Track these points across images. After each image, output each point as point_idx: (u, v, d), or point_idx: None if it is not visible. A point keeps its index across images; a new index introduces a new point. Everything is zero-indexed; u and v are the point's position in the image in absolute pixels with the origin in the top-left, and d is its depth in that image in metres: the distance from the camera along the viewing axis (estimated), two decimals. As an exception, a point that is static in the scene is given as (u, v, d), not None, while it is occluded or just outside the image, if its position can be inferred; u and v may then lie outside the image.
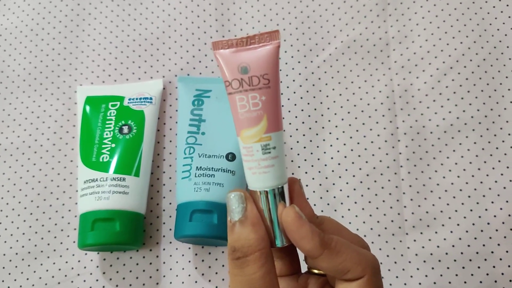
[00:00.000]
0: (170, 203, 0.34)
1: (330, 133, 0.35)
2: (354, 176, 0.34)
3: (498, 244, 0.32)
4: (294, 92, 0.35)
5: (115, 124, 0.33)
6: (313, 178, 0.34)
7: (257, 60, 0.20)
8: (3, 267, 0.34)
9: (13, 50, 0.38)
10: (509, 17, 0.35)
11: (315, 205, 0.33)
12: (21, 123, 0.37)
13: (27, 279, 0.34)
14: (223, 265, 0.33)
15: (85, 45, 0.38)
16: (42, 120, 0.37)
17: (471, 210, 0.32)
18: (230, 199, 0.20)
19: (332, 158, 0.34)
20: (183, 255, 0.33)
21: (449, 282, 0.31)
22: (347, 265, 0.19)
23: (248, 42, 0.20)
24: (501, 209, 0.32)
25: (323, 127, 0.35)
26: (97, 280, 0.33)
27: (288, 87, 0.36)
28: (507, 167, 0.33)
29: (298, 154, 0.34)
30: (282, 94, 0.36)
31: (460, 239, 0.32)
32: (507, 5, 0.36)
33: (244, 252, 0.19)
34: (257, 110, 0.20)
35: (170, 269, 0.33)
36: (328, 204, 0.33)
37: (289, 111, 0.35)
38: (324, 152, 0.34)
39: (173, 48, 0.37)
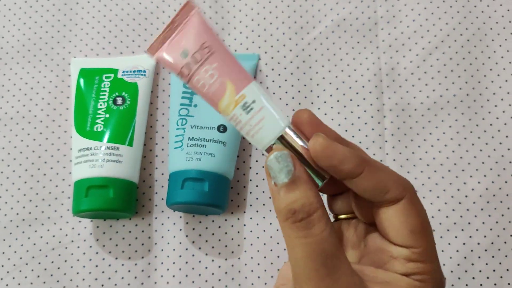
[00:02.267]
0: (163, 174, 0.35)
1: (318, 108, 0.36)
2: (340, 150, 0.35)
3: (475, 216, 0.33)
4: (285, 68, 0.36)
5: (109, 96, 0.34)
6: (301, 152, 0.35)
7: (188, 38, 0.20)
8: (-2, 234, 0.35)
9: (7, 21, 0.38)
10: (493, 0, 0.37)
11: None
12: (15, 94, 0.37)
13: (22, 245, 0.34)
14: (213, 234, 0.34)
15: (79, 18, 0.38)
16: (36, 91, 0.37)
17: (451, 184, 0.34)
18: (274, 161, 0.18)
19: (320, 132, 0.35)
20: (174, 224, 0.34)
21: (428, 251, 0.33)
22: (388, 183, 0.18)
23: (171, 29, 0.20)
24: (478, 182, 0.34)
25: (312, 103, 0.36)
26: (90, 247, 0.34)
27: (279, 63, 0.37)
28: (486, 144, 0.34)
29: (287, 129, 0.36)
30: (273, 70, 0.36)
31: (439, 210, 0.33)
32: (492, -12, 0.37)
33: (307, 212, 0.18)
34: (216, 79, 0.19)
35: (162, 237, 0.34)
36: (315, 176, 0.35)
37: (280, 87, 0.36)
38: (313, 127, 0.35)
39: (166, 22, 0.38)
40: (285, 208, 0.18)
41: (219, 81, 0.19)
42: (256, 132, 0.19)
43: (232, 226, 0.34)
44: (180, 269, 0.34)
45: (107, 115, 0.33)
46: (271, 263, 0.33)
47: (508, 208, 0.33)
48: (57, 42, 0.38)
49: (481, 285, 0.33)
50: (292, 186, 0.18)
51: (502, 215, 0.33)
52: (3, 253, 0.34)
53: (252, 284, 0.33)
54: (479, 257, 0.33)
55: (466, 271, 0.33)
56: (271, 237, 0.34)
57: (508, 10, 0.36)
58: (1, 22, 0.38)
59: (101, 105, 0.34)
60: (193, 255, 0.34)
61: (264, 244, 0.34)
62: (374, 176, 0.19)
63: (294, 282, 0.19)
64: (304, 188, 0.18)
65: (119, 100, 0.34)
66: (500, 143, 0.34)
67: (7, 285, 0.34)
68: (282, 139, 0.19)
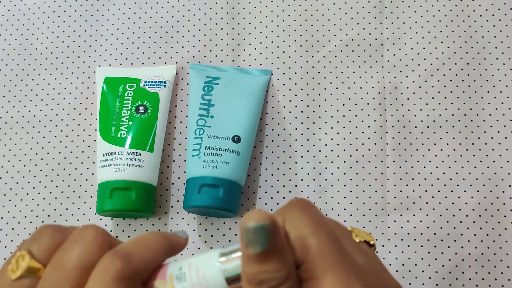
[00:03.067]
0: (179, 178, 0.38)
1: (325, 122, 0.38)
2: (344, 162, 0.38)
3: (467, 228, 0.36)
4: (295, 84, 0.39)
5: (132, 104, 0.37)
6: (308, 162, 0.38)
7: None
8: (24, 228, 0.38)
9: (36, 29, 0.41)
10: (494, 26, 0.39)
11: (308, 185, 0.37)
12: (43, 98, 0.40)
13: (46, 239, 0.37)
14: (223, 235, 0.37)
15: (104, 29, 0.41)
16: (63, 97, 0.40)
17: (446, 197, 0.36)
18: (250, 230, 0.17)
19: (326, 145, 0.38)
20: (188, 224, 0.37)
21: (422, 258, 0.36)
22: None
23: None
24: (472, 197, 0.36)
25: (319, 117, 0.38)
26: (110, 243, 0.37)
27: (290, 78, 0.39)
28: (480, 161, 0.37)
29: (296, 140, 0.38)
30: (284, 85, 0.39)
31: (434, 221, 0.36)
32: (493, 15, 0.39)
33: (273, 285, 0.17)
34: None
35: (176, 236, 0.37)
36: (320, 185, 0.37)
37: (290, 101, 0.39)
38: (319, 139, 0.38)
39: (186, 37, 0.40)
40: (250, 274, 0.18)
41: None
42: (207, 281, 0.19)
43: (241, 229, 0.37)
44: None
45: (130, 123, 0.36)
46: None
47: (499, 222, 0.36)
48: (83, 51, 0.41)
49: (470, 292, 0.35)
50: (265, 257, 0.17)
51: (493, 228, 0.36)
52: (29, 246, 0.37)
53: (259, 283, 0.36)
54: (470, 266, 0.35)
55: (456, 279, 0.35)
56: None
57: (508, 36, 0.39)
58: (31, 30, 0.41)
59: (124, 112, 0.37)
60: (204, 255, 0.37)
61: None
62: None
63: None
64: (276, 261, 0.17)
65: (141, 109, 0.37)
66: (494, 161, 0.37)
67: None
68: (226, 266, 0.19)
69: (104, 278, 0.18)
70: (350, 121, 0.38)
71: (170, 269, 0.19)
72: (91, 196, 0.38)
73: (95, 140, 0.38)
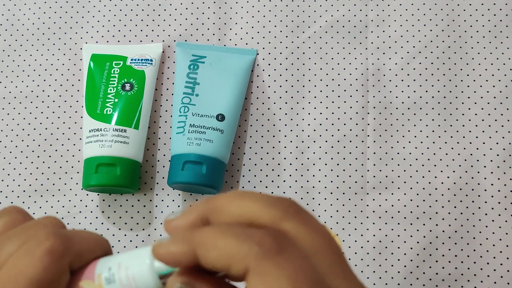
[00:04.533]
0: (164, 155, 0.39)
1: (309, 102, 0.39)
2: (326, 141, 0.38)
3: (442, 206, 0.37)
4: (280, 64, 0.40)
5: (118, 81, 0.37)
6: (291, 141, 0.39)
7: None
8: (11, 202, 0.38)
9: (23, 5, 0.41)
10: (476, 10, 0.40)
11: (290, 164, 0.38)
12: (30, 74, 0.40)
13: (33, 213, 0.38)
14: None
15: (91, 6, 0.41)
16: (49, 73, 0.40)
17: (423, 177, 0.38)
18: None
19: (309, 124, 0.39)
20: (173, 200, 0.38)
21: (398, 235, 0.37)
22: (227, 259, 0.16)
23: None
24: (448, 177, 0.38)
25: (303, 97, 0.39)
26: (96, 218, 0.38)
27: (275, 58, 0.40)
28: (457, 142, 0.38)
29: (280, 120, 0.39)
30: (269, 65, 0.40)
31: (411, 200, 0.37)
32: (476, -1, 0.40)
33: None
34: None
35: (162, 212, 0.38)
36: (302, 164, 0.38)
37: (275, 81, 0.39)
38: (303, 119, 0.39)
39: (173, 15, 0.41)
40: None
41: None
42: (137, 282, 0.18)
43: (225, 205, 0.38)
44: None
45: (116, 100, 0.37)
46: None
47: (473, 201, 0.37)
48: (70, 27, 0.41)
49: (443, 267, 0.37)
50: None
51: (467, 207, 0.37)
52: (17, 219, 0.38)
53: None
54: (443, 243, 0.37)
55: (430, 255, 0.37)
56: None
57: (489, 21, 0.40)
58: (18, 6, 0.41)
59: (110, 90, 0.37)
60: (189, 230, 0.38)
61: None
62: (208, 256, 0.16)
63: None
64: None
65: (127, 86, 0.37)
66: (470, 143, 0.38)
67: (19, 248, 0.38)
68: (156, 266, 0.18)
69: (35, 250, 0.17)
70: (332, 102, 0.39)
71: (98, 268, 0.18)
72: (77, 172, 0.38)
73: (81, 117, 0.39)
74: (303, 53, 0.40)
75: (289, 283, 0.15)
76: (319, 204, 0.38)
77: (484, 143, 0.38)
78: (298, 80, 0.39)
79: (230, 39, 0.40)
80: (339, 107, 0.39)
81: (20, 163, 0.39)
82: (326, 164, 0.38)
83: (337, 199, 0.38)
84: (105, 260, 0.19)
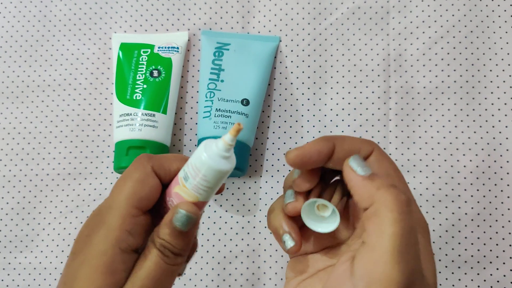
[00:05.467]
0: (191, 140, 0.40)
1: (331, 88, 0.40)
2: (349, 126, 0.39)
3: (465, 189, 0.38)
4: (303, 50, 0.40)
5: (146, 68, 0.39)
6: (313, 126, 0.39)
7: None
8: (46, 185, 0.40)
9: (54, -3, 0.43)
10: (499, -6, 0.40)
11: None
12: (62, 63, 0.42)
13: (67, 195, 0.40)
14: (232, 193, 0.39)
15: (120, -3, 0.42)
16: (81, 62, 0.42)
17: (445, 160, 0.38)
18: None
19: (331, 109, 0.40)
20: (199, 183, 0.39)
21: (420, 217, 0.38)
22: (357, 145, 0.24)
23: None
24: (470, 161, 0.38)
25: (325, 82, 0.40)
26: (126, 200, 0.39)
27: (298, 45, 0.41)
28: (480, 126, 0.38)
29: (302, 105, 0.40)
30: (292, 51, 0.40)
31: (433, 183, 0.38)
32: (498, -16, 0.40)
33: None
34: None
35: (188, 194, 0.39)
36: (325, 148, 0.39)
37: (297, 67, 0.40)
38: (325, 104, 0.40)
39: (198, 4, 0.42)
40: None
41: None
42: (200, 172, 0.22)
43: (249, 188, 0.39)
44: (203, 223, 0.39)
45: (145, 86, 0.38)
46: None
47: (495, 184, 0.38)
48: (99, 18, 0.42)
49: (465, 250, 0.37)
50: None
51: (489, 190, 0.38)
52: (51, 201, 0.40)
53: (265, 238, 0.39)
54: (466, 226, 0.37)
55: (453, 237, 0.37)
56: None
57: (511, 5, 0.40)
58: (50, -2, 0.43)
59: (139, 76, 0.38)
60: (214, 211, 0.39)
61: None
62: (344, 144, 0.24)
63: None
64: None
65: (155, 73, 0.39)
66: (493, 127, 0.38)
67: (54, 229, 0.40)
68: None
69: (140, 158, 0.24)
70: (355, 87, 0.40)
71: (179, 174, 0.23)
72: (108, 156, 0.40)
73: (111, 103, 0.41)
74: (325, 39, 0.40)
75: (393, 162, 0.26)
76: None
77: (506, 126, 0.38)
78: (320, 66, 0.40)
79: (254, 27, 0.41)
80: (361, 92, 0.39)
81: (54, 148, 0.40)
82: (348, 148, 0.39)
83: (359, 182, 0.38)
84: (184, 166, 0.23)
